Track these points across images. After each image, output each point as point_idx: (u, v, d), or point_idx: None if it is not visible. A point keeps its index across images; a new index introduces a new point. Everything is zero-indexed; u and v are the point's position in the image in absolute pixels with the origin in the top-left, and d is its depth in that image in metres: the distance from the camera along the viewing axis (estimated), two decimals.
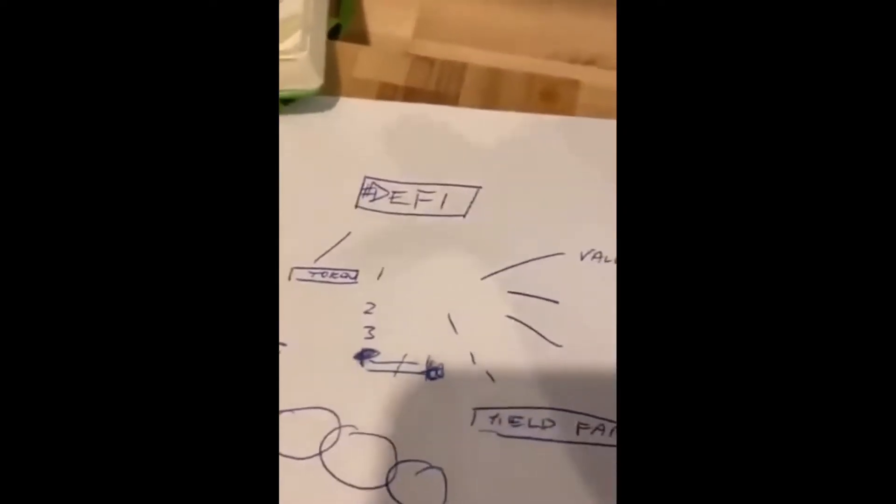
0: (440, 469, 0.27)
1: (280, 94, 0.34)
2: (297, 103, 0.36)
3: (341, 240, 0.33)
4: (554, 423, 0.28)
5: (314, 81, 0.34)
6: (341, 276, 0.32)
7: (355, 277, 0.31)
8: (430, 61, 0.38)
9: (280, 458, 0.28)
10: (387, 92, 0.37)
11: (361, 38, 0.39)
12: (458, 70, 0.37)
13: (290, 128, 0.35)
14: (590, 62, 0.38)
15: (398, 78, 0.37)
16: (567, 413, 0.28)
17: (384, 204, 0.34)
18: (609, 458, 0.27)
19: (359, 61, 0.38)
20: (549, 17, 0.39)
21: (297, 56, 0.33)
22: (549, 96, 0.36)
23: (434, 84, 0.37)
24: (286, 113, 0.36)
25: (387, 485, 0.27)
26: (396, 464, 0.27)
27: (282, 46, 0.33)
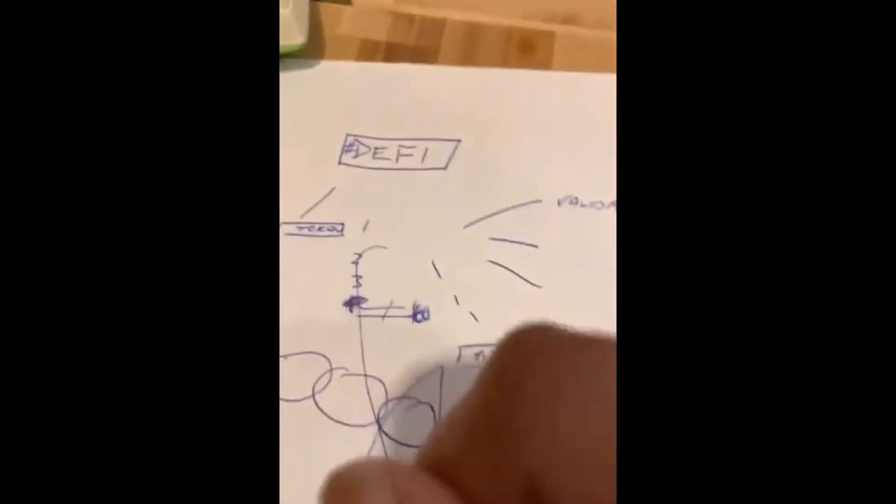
0: (429, 404, 0.28)
1: None
2: (281, 65, 0.37)
3: (326, 195, 0.34)
4: None
5: (297, 38, 0.35)
6: (328, 230, 0.33)
7: (342, 230, 0.33)
8: (410, 18, 0.38)
9: None
10: (368, 48, 0.38)
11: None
12: (437, 25, 0.38)
13: None
14: (566, 21, 0.39)
15: (379, 34, 0.38)
16: None
17: (366, 160, 0.35)
18: None
19: (342, 20, 0.38)
20: None
21: (281, 12, 0.33)
22: (526, 48, 0.37)
23: (415, 39, 0.38)
24: None
25: (378, 421, 0.28)
26: (387, 401, 0.29)
27: None
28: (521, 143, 0.34)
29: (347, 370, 0.29)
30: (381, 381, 0.29)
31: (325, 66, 0.37)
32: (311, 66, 0.37)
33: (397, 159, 0.34)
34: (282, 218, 0.33)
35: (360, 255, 0.32)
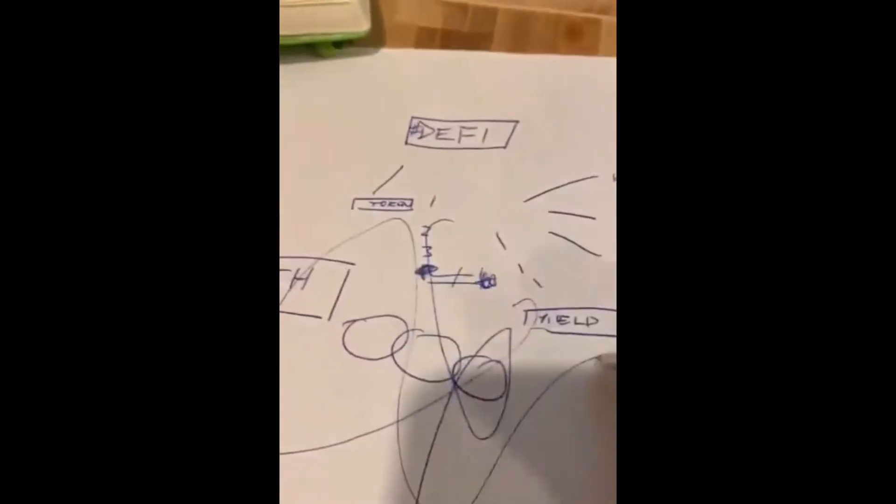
0: (500, 362, 0.31)
1: (332, 36, 0.37)
2: (347, 54, 0.39)
3: (395, 173, 0.36)
4: (598, 321, 0.32)
5: (363, 25, 0.37)
6: (398, 205, 0.35)
7: (411, 205, 0.35)
8: (464, 7, 0.41)
9: (356, 359, 0.32)
10: (424, 35, 0.40)
11: None
12: (490, 13, 0.40)
13: (342, 77, 0.39)
14: (602, 11, 0.41)
15: (435, 22, 0.40)
16: (608, 311, 0.32)
17: (431, 140, 0.37)
18: None
19: (399, 8, 0.41)
20: None
21: (349, 1, 0.36)
22: (573, 35, 0.40)
23: (468, 27, 0.40)
24: (338, 58, 0.39)
25: (453, 377, 0.31)
26: (460, 359, 0.31)
27: None
28: (575, 122, 0.37)
29: (423, 331, 0.32)
30: (454, 341, 0.32)
31: (386, 52, 0.40)
32: (373, 52, 0.40)
33: (460, 139, 0.37)
34: (355, 194, 0.35)
35: (428, 228, 0.34)
